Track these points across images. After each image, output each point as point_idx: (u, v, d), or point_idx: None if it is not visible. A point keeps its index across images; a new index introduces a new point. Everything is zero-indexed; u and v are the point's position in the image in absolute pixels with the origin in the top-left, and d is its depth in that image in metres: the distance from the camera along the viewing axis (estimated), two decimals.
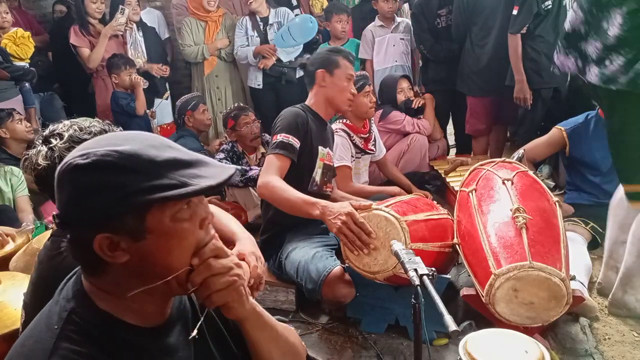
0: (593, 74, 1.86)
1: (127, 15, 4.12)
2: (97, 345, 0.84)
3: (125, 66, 3.96)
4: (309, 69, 2.46)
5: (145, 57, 4.31)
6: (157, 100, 4.39)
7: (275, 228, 2.36)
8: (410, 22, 4.13)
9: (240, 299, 0.93)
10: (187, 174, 0.83)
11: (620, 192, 2.19)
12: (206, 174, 0.85)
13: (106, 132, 1.29)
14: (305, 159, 2.32)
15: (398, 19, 4.14)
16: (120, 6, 4.14)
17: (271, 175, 2.13)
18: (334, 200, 2.58)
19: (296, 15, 4.34)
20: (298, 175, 2.27)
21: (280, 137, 2.23)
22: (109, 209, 0.79)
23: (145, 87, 4.13)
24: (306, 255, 2.18)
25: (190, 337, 0.93)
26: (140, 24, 4.37)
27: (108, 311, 0.87)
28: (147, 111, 4.24)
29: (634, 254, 2.10)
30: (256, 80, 4.19)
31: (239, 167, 3.20)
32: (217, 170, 0.87)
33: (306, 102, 2.44)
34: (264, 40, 4.11)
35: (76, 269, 0.93)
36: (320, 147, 2.39)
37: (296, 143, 2.23)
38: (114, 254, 0.82)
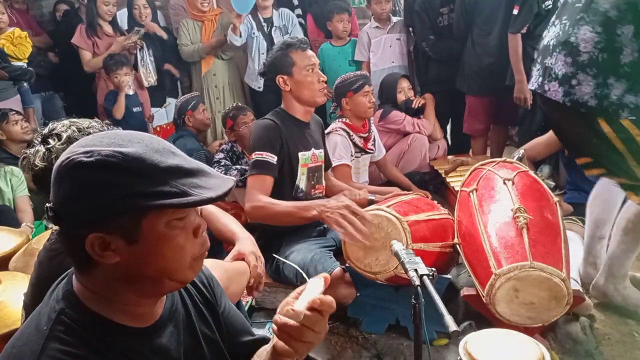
0: (555, 92, 1.88)
1: (141, 35, 4.14)
2: (86, 346, 0.84)
3: (120, 67, 3.95)
4: (269, 76, 2.36)
5: (156, 76, 4.32)
6: (153, 109, 4.41)
7: (270, 235, 2.33)
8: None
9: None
10: (189, 183, 0.83)
11: (595, 189, 2.26)
12: (207, 185, 0.85)
13: None
14: (285, 170, 2.28)
15: (394, 19, 4.13)
16: (136, 28, 4.16)
17: (256, 197, 2.11)
18: (333, 191, 2.55)
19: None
20: (280, 187, 2.23)
21: (254, 156, 2.20)
22: (107, 209, 0.79)
23: (155, 85, 4.25)
24: (304, 258, 2.16)
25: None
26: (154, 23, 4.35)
27: (97, 312, 0.87)
28: (149, 114, 4.27)
29: (615, 243, 2.13)
30: (257, 83, 4.18)
31: (239, 167, 3.20)
32: (217, 181, 0.87)
33: (282, 106, 2.38)
34: (270, 42, 4.08)
35: (69, 270, 0.93)
36: (300, 154, 2.33)
37: (272, 158, 2.19)
38: (104, 254, 0.82)
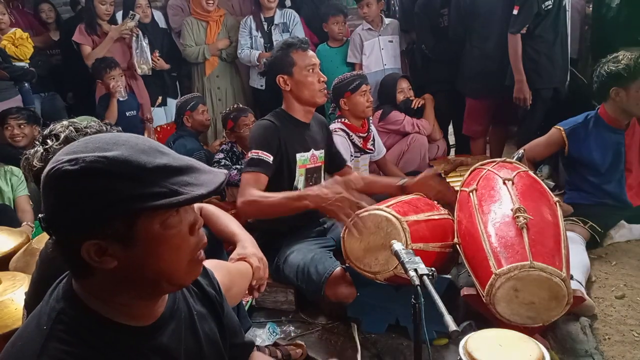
0: None
1: (136, 21, 4.12)
2: (87, 345, 0.84)
3: (113, 68, 3.93)
4: (270, 76, 2.35)
5: (150, 64, 4.29)
6: (152, 109, 4.39)
7: (270, 235, 2.33)
8: (398, 23, 4.12)
9: None
10: (178, 181, 0.82)
11: None
12: (197, 181, 0.84)
13: (104, 132, 1.28)
14: (283, 171, 2.28)
15: (386, 21, 4.11)
16: (131, 12, 4.14)
17: (248, 193, 2.10)
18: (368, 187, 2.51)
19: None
20: (278, 188, 2.22)
21: (251, 154, 2.20)
22: (98, 216, 0.78)
23: (149, 74, 4.22)
24: (305, 258, 2.16)
25: None
26: (151, 26, 4.33)
27: (97, 311, 0.87)
28: (147, 115, 4.26)
29: None
30: (259, 82, 4.18)
31: (239, 167, 3.19)
32: (208, 177, 0.86)
33: (282, 106, 2.38)
34: (268, 40, 4.08)
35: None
36: (299, 155, 2.33)
37: (268, 157, 2.19)
38: (101, 260, 0.81)
